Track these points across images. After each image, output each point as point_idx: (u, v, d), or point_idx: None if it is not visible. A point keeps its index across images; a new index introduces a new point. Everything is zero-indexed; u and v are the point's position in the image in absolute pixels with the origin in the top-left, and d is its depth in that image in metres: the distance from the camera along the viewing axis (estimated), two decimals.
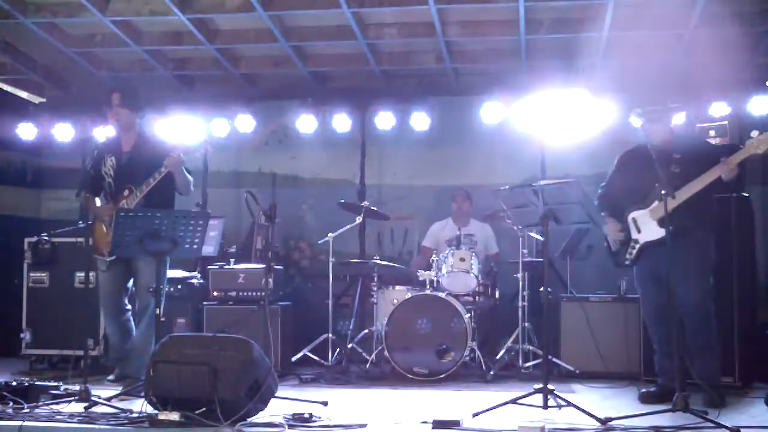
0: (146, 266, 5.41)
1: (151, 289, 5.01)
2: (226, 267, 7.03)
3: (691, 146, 5.27)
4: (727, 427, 4.06)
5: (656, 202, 5.05)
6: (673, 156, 5.06)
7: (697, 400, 4.69)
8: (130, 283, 5.68)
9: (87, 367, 5.03)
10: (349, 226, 7.06)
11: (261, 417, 4.29)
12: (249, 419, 4.20)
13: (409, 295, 6.59)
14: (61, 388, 4.96)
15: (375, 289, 6.83)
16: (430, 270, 6.71)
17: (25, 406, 4.52)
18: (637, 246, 5.18)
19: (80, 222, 5.21)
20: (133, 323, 5.71)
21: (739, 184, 5.27)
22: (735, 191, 5.59)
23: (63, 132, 8.16)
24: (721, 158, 4.95)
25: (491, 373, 6.30)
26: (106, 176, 5.63)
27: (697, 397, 4.77)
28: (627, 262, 5.29)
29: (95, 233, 5.58)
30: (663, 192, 4.55)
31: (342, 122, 7.90)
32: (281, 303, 6.76)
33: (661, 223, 4.89)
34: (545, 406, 4.59)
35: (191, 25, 6.86)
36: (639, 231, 5.17)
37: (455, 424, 4.22)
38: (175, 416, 4.08)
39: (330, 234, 6.95)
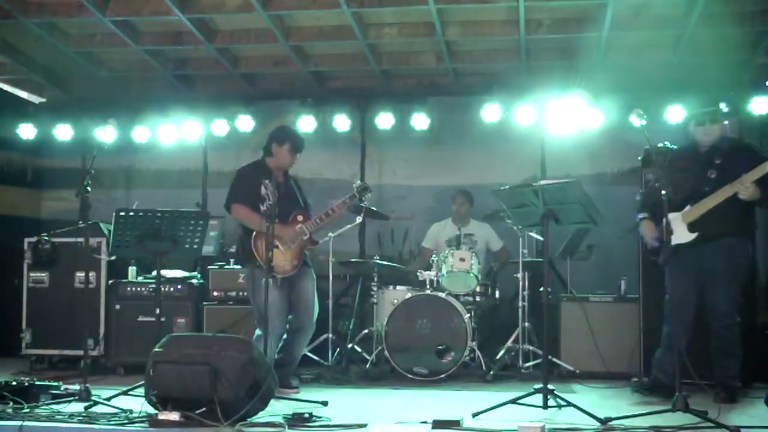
0: (308, 283, 5.74)
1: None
2: (226, 267, 7.03)
3: (735, 151, 5.32)
4: (727, 427, 4.06)
5: (687, 207, 5.23)
6: (713, 161, 5.22)
7: (706, 399, 4.77)
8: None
9: (87, 367, 5.03)
10: (349, 226, 7.05)
11: (261, 417, 4.29)
12: (249, 419, 4.20)
13: (409, 295, 6.59)
14: (61, 388, 4.96)
15: (375, 289, 6.83)
16: (429, 270, 6.71)
17: (25, 406, 4.52)
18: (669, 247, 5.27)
19: (80, 222, 5.17)
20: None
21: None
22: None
23: (63, 132, 8.13)
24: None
25: (491, 373, 6.30)
26: (267, 198, 5.54)
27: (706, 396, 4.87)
28: (661, 261, 5.32)
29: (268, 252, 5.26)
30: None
31: (342, 122, 7.89)
32: None
33: (690, 227, 5.22)
34: (545, 406, 4.60)
35: (191, 25, 6.85)
36: (672, 233, 5.19)
37: (455, 424, 4.21)
38: (175, 416, 4.09)
39: (330, 234, 6.95)
